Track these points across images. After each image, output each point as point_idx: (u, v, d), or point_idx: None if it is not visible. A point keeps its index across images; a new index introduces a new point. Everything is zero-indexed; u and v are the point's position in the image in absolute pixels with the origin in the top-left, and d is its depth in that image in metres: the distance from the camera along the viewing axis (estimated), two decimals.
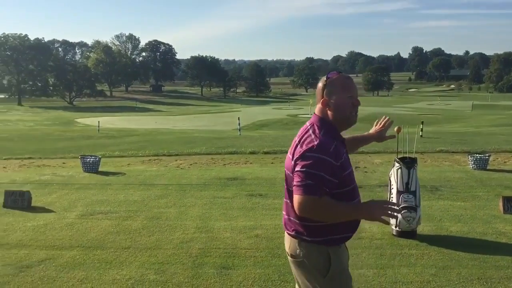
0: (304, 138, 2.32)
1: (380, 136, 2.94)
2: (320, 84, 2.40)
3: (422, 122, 19.10)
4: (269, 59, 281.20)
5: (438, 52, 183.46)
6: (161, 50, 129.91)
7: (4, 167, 10.68)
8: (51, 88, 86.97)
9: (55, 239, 5.33)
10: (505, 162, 10.18)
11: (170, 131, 28.43)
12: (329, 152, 2.22)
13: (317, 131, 2.31)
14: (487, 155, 9.66)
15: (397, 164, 5.30)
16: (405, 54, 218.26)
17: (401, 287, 4.04)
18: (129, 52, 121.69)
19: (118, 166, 10.42)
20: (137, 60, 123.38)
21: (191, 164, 10.60)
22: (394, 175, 5.33)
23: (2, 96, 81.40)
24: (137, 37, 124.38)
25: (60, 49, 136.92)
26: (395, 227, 5.26)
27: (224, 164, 10.55)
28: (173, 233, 5.49)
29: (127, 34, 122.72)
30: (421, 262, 4.57)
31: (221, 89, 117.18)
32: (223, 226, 5.75)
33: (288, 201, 2.37)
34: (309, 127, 2.37)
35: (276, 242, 5.07)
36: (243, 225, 5.76)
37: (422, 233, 5.36)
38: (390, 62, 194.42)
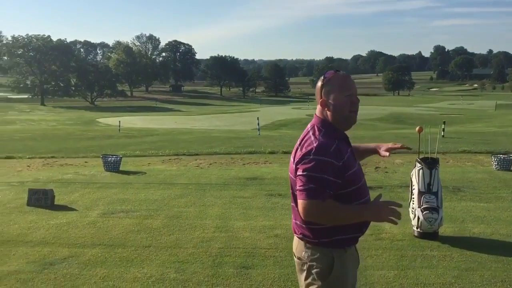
0: (304, 140, 2.28)
1: (385, 153, 2.70)
2: (318, 84, 2.34)
3: (444, 122, 18.86)
4: (289, 58, 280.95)
5: (460, 51, 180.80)
6: (181, 50, 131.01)
7: (28, 166, 10.89)
8: (73, 88, 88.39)
9: (77, 237, 5.41)
10: None
11: (190, 131, 28.61)
12: (329, 153, 2.16)
13: (316, 132, 2.26)
14: (511, 155, 9.48)
15: (418, 165, 5.24)
16: (426, 53, 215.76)
17: None
18: (149, 53, 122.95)
19: (139, 166, 10.53)
20: (157, 60, 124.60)
21: (210, 164, 10.64)
22: (416, 176, 5.27)
23: (26, 96, 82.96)
24: (157, 38, 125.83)
25: (82, 49, 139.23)
26: (417, 228, 5.19)
27: (244, 164, 10.57)
28: (193, 232, 5.52)
29: (147, 34, 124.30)
30: (443, 263, 4.51)
31: (240, 89, 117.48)
32: (243, 225, 5.76)
33: (294, 205, 2.32)
34: (309, 129, 2.32)
35: None
36: (262, 225, 5.76)
37: (444, 235, 5.28)
38: (411, 61, 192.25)
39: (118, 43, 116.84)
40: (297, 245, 2.38)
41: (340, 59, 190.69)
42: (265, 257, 4.68)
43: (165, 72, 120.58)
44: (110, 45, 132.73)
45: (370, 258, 4.63)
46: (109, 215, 6.30)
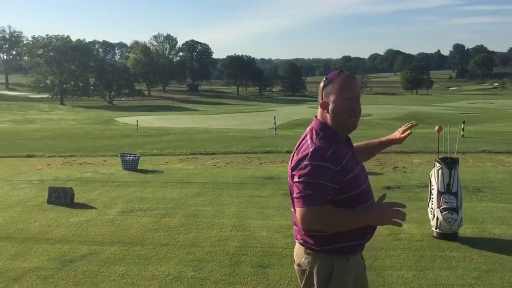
0: (301, 145, 2.20)
1: (402, 139, 2.66)
2: (320, 85, 2.24)
3: (464, 122, 18.60)
4: (305, 58, 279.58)
5: (480, 49, 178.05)
6: (197, 50, 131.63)
7: (48, 164, 11.06)
8: (92, 88, 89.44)
9: (96, 234, 5.48)
10: None
11: (207, 130, 28.73)
12: (325, 157, 2.08)
13: (314, 136, 2.17)
14: None
15: (438, 164, 5.18)
16: (445, 52, 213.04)
17: None
18: (166, 52, 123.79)
19: (156, 164, 10.61)
20: (174, 60, 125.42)
21: (227, 163, 10.67)
22: (435, 176, 5.21)
23: (46, 95, 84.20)
24: (174, 37, 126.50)
25: (100, 49, 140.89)
26: (436, 228, 5.14)
27: (260, 163, 10.58)
28: (210, 231, 5.55)
29: (164, 34, 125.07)
30: (462, 265, 4.45)
31: (257, 88, 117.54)
32: (260, 225, 5.76)
33: (293, 211, 2.22)
34: (307, 132, 2.23)
35: None
36: (279, 224, 5.76)
37: (463, 235, 5.21)
38: (429, 60, 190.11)
39: (136, 43, 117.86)
40: (297, 250, 2.30)
41: (357, 58, 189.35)
42: (282, 257, 4.68)
43: (182, 72, 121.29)
44: (128, 45, 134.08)
45: (388, 258, 4.60)
46: (127, 214, 6.37)
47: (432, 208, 5.21)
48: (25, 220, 6.08)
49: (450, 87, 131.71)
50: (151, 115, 51.37)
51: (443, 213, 5.01)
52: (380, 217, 2.10)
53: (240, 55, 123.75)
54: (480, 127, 28.33)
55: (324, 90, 2.21)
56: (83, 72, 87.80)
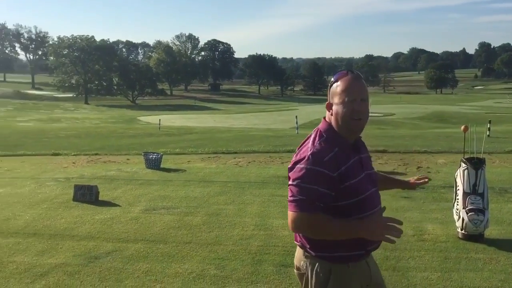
0: (302, 146, 2.16)
1: (412, 187, 2.62)
2: (329, 85, 2.18)
3: (490, 121, 18.25)
4: (327, 57, 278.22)
5: (507, 48, 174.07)
6: (219, 49, 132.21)
7: (73, 163, 11.25)
8: (115, 87, 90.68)
9: (121, 232, 5.56)
10: None
11: (228, 129, 28.83)
12: (322, 162, 2.01)
13: (317, 138, 2.11)
14: None
15: (463, 165, 5.09)
16: (471, 50, 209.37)
17: None
18: (188, 52, 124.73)
19: (179, 163, 10.69)
20: (196, 59, 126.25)
21: (249, 162, 10.69)
22: (461, 176, 5.12)
23: (71, 95, 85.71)
24: (196, 37, 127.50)
25: (124, 49, 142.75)
26: (461, 229, 5.05)
27: (282, 163, 10.56)
28: (232, 230, 5.57)
29: (187, 34, 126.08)
30: (488, 267, 4.37)
31: (279, 87, 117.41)
32: (282, 224, 5.75)
33: None
34: (312, 133, 2.18)
35: None
36: None
37: (490, 237, 5.12)
38: (454, 59, 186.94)
39: (159, 43, 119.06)
40: (297, 253, 2.27)
41: (380, 57, 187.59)
42: None
43: (204, 71, 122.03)
44: (151, 45, 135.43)
45: (413, 260, 4.54)
46: (150, 211, 6.44)
47: (457, 209, 5.13)
48: (52, 217, 6.21)
49: (475, 86, 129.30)
50: (173, 114, 51.80)
51: (469, 214, 4.93)
52: (372, 232, 1.99)
53: (261, 54, 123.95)
54: (507, 127, 27.71)
55: (330, 91, 2.16)
56: (107, 71, 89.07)
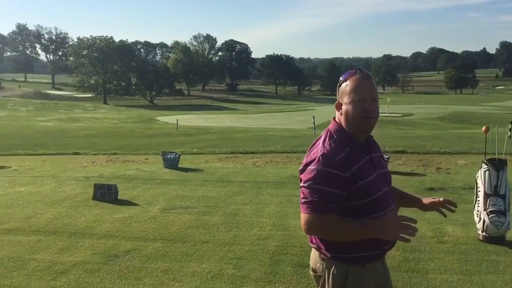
0: (314, 146, 2.14)
1: (427, 208, 2.40)
2: (338, 85, 2.17)
3: (511, 122, 17.92)
4: (345, 57, 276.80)
5: None
6: (237, 49, 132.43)
7: (93, 162, 11.40)
8: (134, 87, 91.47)
9: (139, 231, 5.61)
10: None
11: (245, 129, 28.86)
12: (333, 163, 2.00)
13: (327, 139, 2.10)
14: None
15: (484, 166, 5.02)
16: (491, 50, 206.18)
17: None
18: (206, 52, 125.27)
19: (196, 163, 10.75)
20: (214, 59, 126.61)
21: (266, 162, 10.69)
22: (482, 177, 5.05)
23: (90, 95, 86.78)
24: (214, 37, 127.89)
25: (142, 50, 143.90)
26: (482, 231, 4.98)
27: (300, 163, 10.44)
28: (250, 230, 5.58)
29: (204, 34, 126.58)
30: (510, 269, 4.30)
31: (296, 87, 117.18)
32: (299, 224, 5.67)
33: None
34: (323, 134, 2.16)
35: None
36: None
37: (511, 239, 5.03)
38: (475, 58, 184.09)
39: (176, 43, 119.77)
40: (312, 255, 2.26)
41: (399, 57, 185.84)
42: None
43: (221, 71, 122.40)
44: (169, 45, 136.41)
45: (432, 261, 4.49)
46: (169, 211, 6.49)
47: (478, 211, 5.06)
48: (72, 216, 6.29)
49: (496, 86, 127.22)
50: (190, 114, 52.05)
51: (490, 216, 4.85)
52: (386, 231, 1.97)
53: (279, 54, 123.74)
54: None
55: (339, 90, 2.14)
56: (125, 72, 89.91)
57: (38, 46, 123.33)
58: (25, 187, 8.21)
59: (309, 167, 2.06)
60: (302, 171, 2.11)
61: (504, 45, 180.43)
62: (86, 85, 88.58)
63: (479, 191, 5.11)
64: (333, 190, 2.00)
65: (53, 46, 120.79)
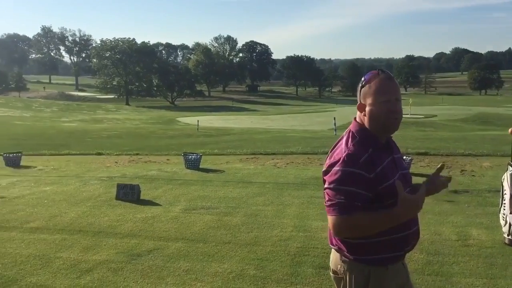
0: (336, 147, 2.12)
1: (433, 186, 2.26)
2: (359, 86, 2.14)
3: None
4: (366, 57, 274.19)
5: None
6: (257, 50, 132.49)
7: (116, 162, 11.55)
8: (155, 88, 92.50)
9: (161, 230, 5.66)
10: None
11: (266, 130, 28.87)
12: (358, 163, 1.98)
13: (350, 140, 2.08)
14: None
15: (510, 168, 4.92)
16: None
17: None
18: (226, 53, 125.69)
19: (217, 164, 10.80)
20: (234, 61, 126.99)
21: (287, 163, 10.68)
22: (508, 180, 4.95)
23: (112, 96, 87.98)
24: (234, 38, 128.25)
25: (163, 51, 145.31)
26: (508, 235, 4.88)
27: (321, 164, 10.49)
28: (271, 231, 5.58)
29: (225, 35, 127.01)
30: None
31: (316, 88, 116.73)
32: (321, 226, 5.72)
33: None
34: (345, 135, 2.14)
35: None
36: None
37: None
38: (500, 59, 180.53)
39: (197, 45, 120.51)
40: (332, 257, 2.23)
41: (421, 57, 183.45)
42: None
43: (242, 72, 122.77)
44: (190, 47, 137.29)
45: (457, 265, 4.42)
46: (190, 211, 6.53)
47: (504, 214, 4.96)
48: (96, 215, 6.39)
49: None
50: (211, 115, 52.33)
51: None
52: (411, 208, 1.95)
53: (299, 55, 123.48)
54: None
55: (361, 91, 2.11)
56: (147, 73, 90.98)
57: (62, 48, 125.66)
58: (50, 187, 8.37)
59: (333, 169, 2.03)
60: (326, 173, 2.08)
61: None
62: (108, 86, 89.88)
63: (505, 193, 5.01)
64: (359, 191, 1.97)
65: (77, 48, 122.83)
